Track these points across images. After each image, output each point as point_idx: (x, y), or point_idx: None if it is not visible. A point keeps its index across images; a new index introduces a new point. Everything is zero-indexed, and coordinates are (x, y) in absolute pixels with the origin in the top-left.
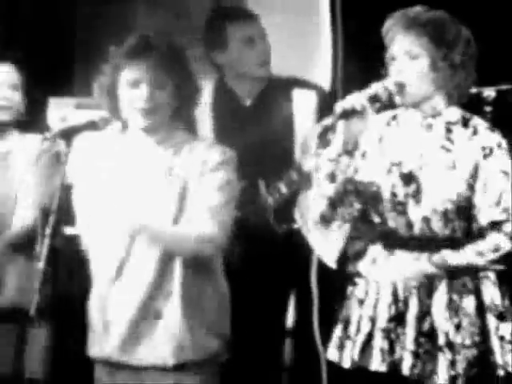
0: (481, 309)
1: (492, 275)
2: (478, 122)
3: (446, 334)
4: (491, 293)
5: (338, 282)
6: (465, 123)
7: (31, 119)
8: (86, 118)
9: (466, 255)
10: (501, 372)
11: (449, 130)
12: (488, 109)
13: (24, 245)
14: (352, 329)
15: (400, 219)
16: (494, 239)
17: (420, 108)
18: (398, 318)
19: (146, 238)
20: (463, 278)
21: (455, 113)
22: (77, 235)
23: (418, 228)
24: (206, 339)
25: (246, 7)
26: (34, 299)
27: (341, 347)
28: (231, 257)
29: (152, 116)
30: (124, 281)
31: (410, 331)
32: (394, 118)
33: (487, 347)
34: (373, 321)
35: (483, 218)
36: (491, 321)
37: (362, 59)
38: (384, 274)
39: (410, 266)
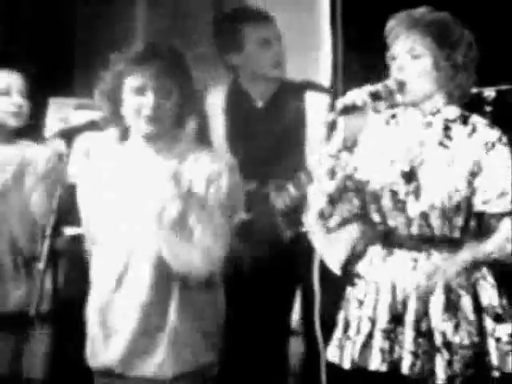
0: (478, 309)
1: (489, 276)
2: (476, 119)
3: (444, 335)
4: (488, 293)
5: (339, 282)
6: (464, 121)
7: (32, 121)
8: (87, 118)
9: (487, 249)
10: (496, 373)
11: (447, 128)
12: (488, 109)
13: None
14: (352, 330)
15: (399, 217)
16: (507, 229)
17: (420, 107)
18: (397, 319)
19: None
20: (460, 277)
21: (454, 111)
22: (77, 235)
23: (416, 226)
24: (202, 351)
25: (260, 8)
26: (34, 299)
27: (341, 348)
28: (239, 261)
29: (156, 124)
30: (123, 292)
31: (408, 331)
32: (394, 116)
33: (484, 348)
34: (372, 321)
35: (491, 210)
36: (488, 322)
37: (362, 59)
38: (383, 274)
39: (448, 267)
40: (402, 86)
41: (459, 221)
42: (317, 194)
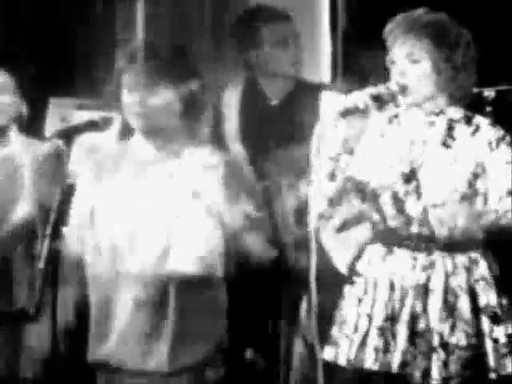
0: (476, 310)
1: (489, 276)
2: (479, 119)
3: (441, 335)
4: (487, 294)
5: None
6: (467, 121)
7: (32, 120)
8: (87, 118)
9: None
10: (493, 375)
11: (451, 127)
12: (488, 109)
13: (22, 240)
14: (349, 327)
15: (399, 217)
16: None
17: (422, 107)
18: (394, 318)
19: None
20: (459, 278)
21: (458, 111)
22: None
23: (416, 226)
24: (200, 345)
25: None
26: (34, 299)
27: (337, 345)
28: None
29: (145, 120)
30: (121, 287)
31: (403, 329)
32: (396, 116)
33: (481, 349)
34: (370, 319)
35: (496, 207)
36: (486, 323)
37: (362, 60)
38: (382, 272)
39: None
40: (403, 88)
41: (460, 220)
42: (317, 197)
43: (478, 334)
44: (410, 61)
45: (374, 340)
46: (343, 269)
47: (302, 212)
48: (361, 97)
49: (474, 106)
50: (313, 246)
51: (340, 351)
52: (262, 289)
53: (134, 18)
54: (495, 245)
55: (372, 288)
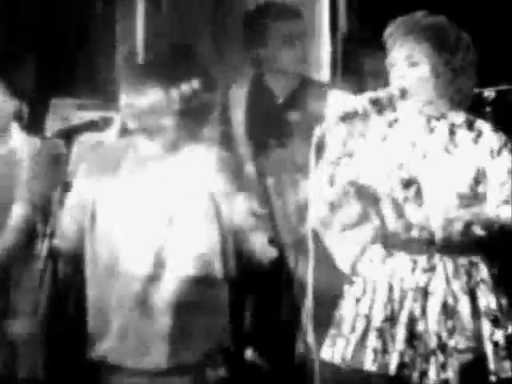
0: (476, 313)
1: (489, 279)
2: (481, 124)
3: (439, 337)
4: (487, 297)
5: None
6: (469, 125)
7: (33, 120)
8: (87, 118)
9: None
10: (493, 378)
11: (452, 132)
12: (488, 109)
13: (22, 241)
14: (346, 327)
15: (400, 221)
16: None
17: (423, 111)
18: (393, 319)
19: None
20: (460, 281)
21: (459, 115)
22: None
23: (417, 230)
24: (200, 344)
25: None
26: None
27: (333, 345)
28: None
29: (135, 121)
30: (119, 285)
31: (403, 332)
32: (396, 120)
33: (480, 352)
34: (368, 320)
35: (495, 214)
36: (486, 326)
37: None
38: (382, 274)
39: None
40: (404, 92)
41: (461, 225)
42: (318, 201)
43: (478, 337)
44: (408, 64)
45: (373, 341)
46: (346, 269)
47: (302, 212)
48: (360, 101)
49: (474, 106)
50: (310, 247)
51: (335, 350)
52: (262, 289)
53: (134, 18)
54: (495, 248)
55: (371, 288)
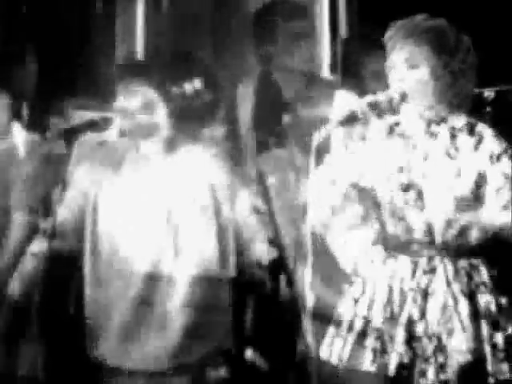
0: (476, 315)
1: (489, 282)
2: (483, 129)
3: (439, 338)
4: (487, 299)
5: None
6: (470, 130)
7: (33, 120)
8: (87, 118)
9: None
10: (491, 380)
11: (453, 136)
12: (488, 109)
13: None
14: (343, 326)
15: (400, 224)
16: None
17: (423, 115)
18: (392, 320)
19: None
20: (460, 283)
21: (460, 119)
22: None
23: (418, 233)
24: (200, 344)
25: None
26: (33, 298)
27: (331, 345)
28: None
29: (127, 121)
30: (119, 283)
31: (402, 333)
32: (397, 124)
33: (479, 354)
34: (366, 320)
35: (495, 219)
36: (485, 328)
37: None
38: (382, 274)
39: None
40: (403, 96)
41: (461, 228)
42: (318, 204)
43: (477, 338)
44: (408, 66)
45: (372, 342)
46: (348, 268)
47: (302, 212)
48: (359, 105)
49: (474, 106)
50: (309, 248)
51: (333, 349)
52: (262, 289)
53: (134, 18)
54: (495, 251)
55: (370, 289)
